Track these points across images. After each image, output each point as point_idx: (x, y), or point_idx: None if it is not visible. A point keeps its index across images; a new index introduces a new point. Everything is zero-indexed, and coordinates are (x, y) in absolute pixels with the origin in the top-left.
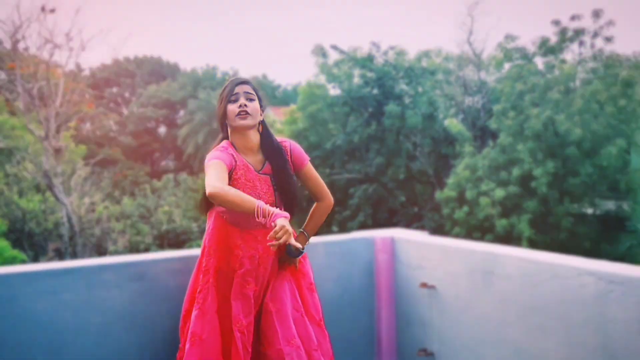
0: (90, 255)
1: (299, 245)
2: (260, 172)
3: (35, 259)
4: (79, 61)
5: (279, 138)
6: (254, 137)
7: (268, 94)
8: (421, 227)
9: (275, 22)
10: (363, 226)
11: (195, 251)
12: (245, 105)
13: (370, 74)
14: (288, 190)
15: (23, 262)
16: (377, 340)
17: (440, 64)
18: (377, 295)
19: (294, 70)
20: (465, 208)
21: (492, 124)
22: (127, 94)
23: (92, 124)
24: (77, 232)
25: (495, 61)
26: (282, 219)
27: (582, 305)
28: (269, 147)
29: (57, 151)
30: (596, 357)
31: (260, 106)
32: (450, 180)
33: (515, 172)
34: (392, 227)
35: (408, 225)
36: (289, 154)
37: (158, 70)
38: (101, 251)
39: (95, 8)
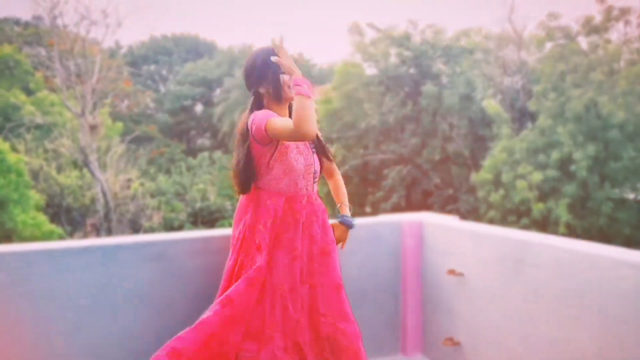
0: (125, 231)
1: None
2: None
3: (72, 233)
4: (117, 38)
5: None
6: (286, 107)
7: (304, 72)
8: (456, 210)
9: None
10: (396, 208)
11: (215, 231)
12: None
13: (407, 53)
14: (324, 151)
15: (60, 236)
16: (402, 327)
17: (479, 43)
18: (403, 281)
19: (330, 48)
20: (501, 191)
21: (532, 106)
22: (164, 72)
23: (129, 101)
24: (111, 208)
25: (536, 40)
26: None
27: (620, 298)
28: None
29: (93, 128)
30: (633, 354)
31: None
32: (487, 162)
33: (554, 155)
34: (426, 209)
35: (442, 207)
36: None
37: (195, 48)
38: (136, 227)
39: None
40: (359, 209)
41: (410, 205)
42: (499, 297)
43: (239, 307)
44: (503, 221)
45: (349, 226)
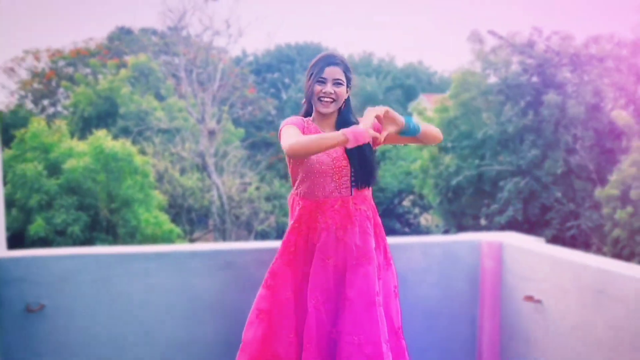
0: (239, 233)
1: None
2: None
3: (191, 233)
4: (244, 47)
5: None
6: (334, 115)
7: (423, 80)
8: (577, 226)
9: (432, 7)
10: (512, 222)
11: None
12: (331, 93)
13: (530, 61)
14: (364, 161)
15: (178, 235)
16: (478, 353)
17: (611, 51)
18: (481, 304)
19: (451, 56)
20: (629, 208)
21: None
22: (286, 80)
23: (253, 108)
24: (227, 210)
25: None
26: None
27: None
28: (346, 123)
29: (211, 133)
30: None
31: (348, 87)
32: (614, 177)
33: None
34: (545, 224)
35: (562, 223)
36: None
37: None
38: (249, 229)
39: None
40: (472, 221)
41: (527, 219)
42: (578, 329)
43: (273, 315)
44: (630, 240)
45: (407, 133)
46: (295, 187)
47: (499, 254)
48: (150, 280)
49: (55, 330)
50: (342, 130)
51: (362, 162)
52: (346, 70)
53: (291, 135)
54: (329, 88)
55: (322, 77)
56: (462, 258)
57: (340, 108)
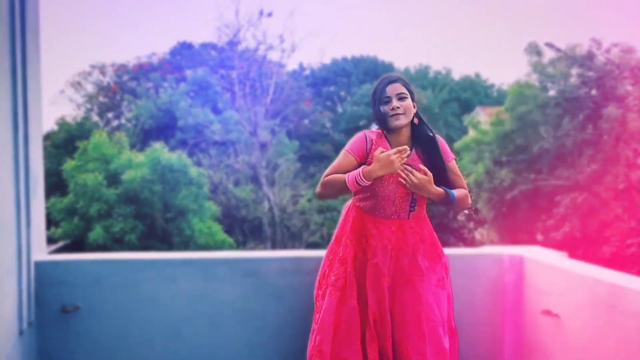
0: (288, 244)
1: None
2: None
3: (244, 243)
4: (301, 61)
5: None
6: (406, 131)
7: (480, 93)
8: (637, 244)
9: (488, 19)
10: (568, 237)
11: (307, 252)
12: (398, 107)
13: (589, 74)
14: (441, 170)
15: (230, 245)
16: None
17: None
18: (503, 318)
19: (508, 69)
20: None
21: None
22: (342, 93)
23: (308, 121)
24: (277, 222)
25: None
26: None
27: None
28: (421, 136)
29: (263, 145)
30: None
31: (413, 100)
32: None
33: None
34: (604, 241)
35: (622, 240)
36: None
37: (373, 69)
38: (299, 240)
39: (306, 9)
40: (527, 236)
41: (585, 235)
42: (593, 344)
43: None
44: None
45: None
46: (356, 200)
47: (520, 267)
48: (177, 285)
49: (88, 331)
50: (348, 175)
51: (441, 176)
52: (406, 85)
53: (329, 170)
54: (395, 103)
55: (386, 97)
56: (483, 271)
57: (412, 122)
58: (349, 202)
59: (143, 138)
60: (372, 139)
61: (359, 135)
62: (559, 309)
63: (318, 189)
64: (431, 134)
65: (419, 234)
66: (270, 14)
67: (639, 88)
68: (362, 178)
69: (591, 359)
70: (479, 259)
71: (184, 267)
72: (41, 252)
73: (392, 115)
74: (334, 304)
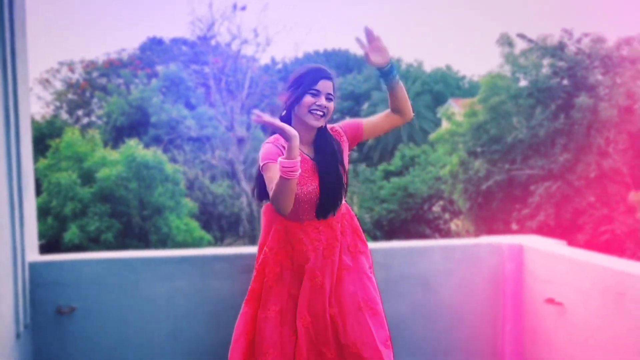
0: None
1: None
2: (313, 159)
3: (221, 239)
4: (273, 55)
5: (330, 126)
6: (314, 131)
7: (452, 85)
8: (611, 231)
9: (460, 11)
10: (543, 226)
11: None
12: (325, 107)
13: (560, 64)
14: (333, 177)
15: (209, 242)
16: (500, 356)
17: None
18: (503, 307)
19: (480, 60)
20: None
21: None
22: None
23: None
24: (255, 217)
25: None
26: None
27: None
28: (320, 138)
29: (240, 140)
30: None
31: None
32: None
33: None
34: (577, 229)
35: (595, 227)
36: (342, 136)
37: (345, 63)
38: None
39: (280, 2)
40: (503, 226)
41: (559, 224)
42: (600, 333)
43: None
44: None
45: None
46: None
47: (520, 256)
48: (175, 283)
49: (85, 332)
50: (281, 170)
51: (332, 185)
52: (334, 88)
53: (271, 181)
54: (323, 101)
55: (315, 89)
56: (483, 261)
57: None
58: (267, 205)
59: (115, 135)
60: (281, 145)
61: (267, 146)
62: (562, 297)
63: (276, 207)
64: (327, 136)
65: (346, 226)
66: (244, 8)
67: (609, 78)
68: (287, 160)
69: (598, 347)
70: (478, 248)
71: (182, 264)
72: (34, 252)
73: (312, 112)
74: (248, 315)
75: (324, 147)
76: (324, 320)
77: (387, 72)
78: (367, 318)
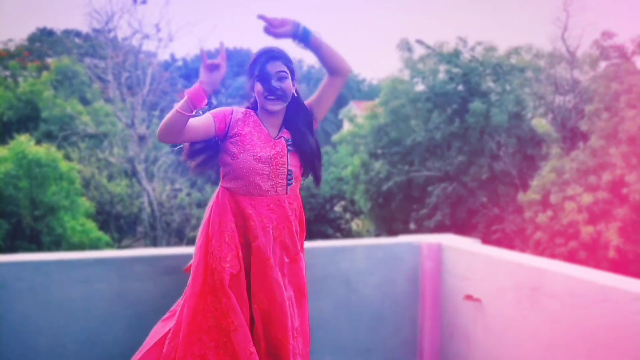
0: (170, 240)
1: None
2: (275, 138)
3: (120, 240)
4: (173, 52)
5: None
6: (281, 112)
7: (352, 87)
8: (502, 230)
9: (361, 15)
10: (440, 225)
11: None
12: (277, 89)
13: (455, 70)
14: (307, 152)
15: (107, 243)
16: (419, 352)
17: (530, 61)
18: (422, 304)
19: (381, 64)
20: (549, 212)
21: (583, 126)
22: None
23: None
24: (157, 217)
25: (590, 59)
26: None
27: (635, 334)
28: (292, 114)
29: (141, 138)
30: None
31: (293, 80)
32: (535, 182)
33: (606, 177)
34: (471, 228)
35: (487, 227)
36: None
37: (247, 62)
38: (181, 236)
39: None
40: (402, 226)
41: (454, 223)
42: (515, 326)
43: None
44: (550, 243)
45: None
46: (226, 182)
47: (438, 255)
48: (91, 286)
49: None
50: (177, 104)
51: (308, 158)
52: (288, 63)
53: (195, 121)
54: (274, 83)
55: (263, 74)
56: (403, 260)
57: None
58: (218, 189)
59: (2, 130)
60: (238, 118)
61: (226, 107)
62: (480, 293)
63: (158, 133)
64: (307, 120)
65: (295, 210)
66: (144, 1)
67: (500, 84)
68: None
69: (514, 340)
70: (398, 247)
71: (98, 266)
72: None
73: (267, 97)
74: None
75: (294, 117)
76: (281, 303)
77: (301, 36)
78: (307, 307)
